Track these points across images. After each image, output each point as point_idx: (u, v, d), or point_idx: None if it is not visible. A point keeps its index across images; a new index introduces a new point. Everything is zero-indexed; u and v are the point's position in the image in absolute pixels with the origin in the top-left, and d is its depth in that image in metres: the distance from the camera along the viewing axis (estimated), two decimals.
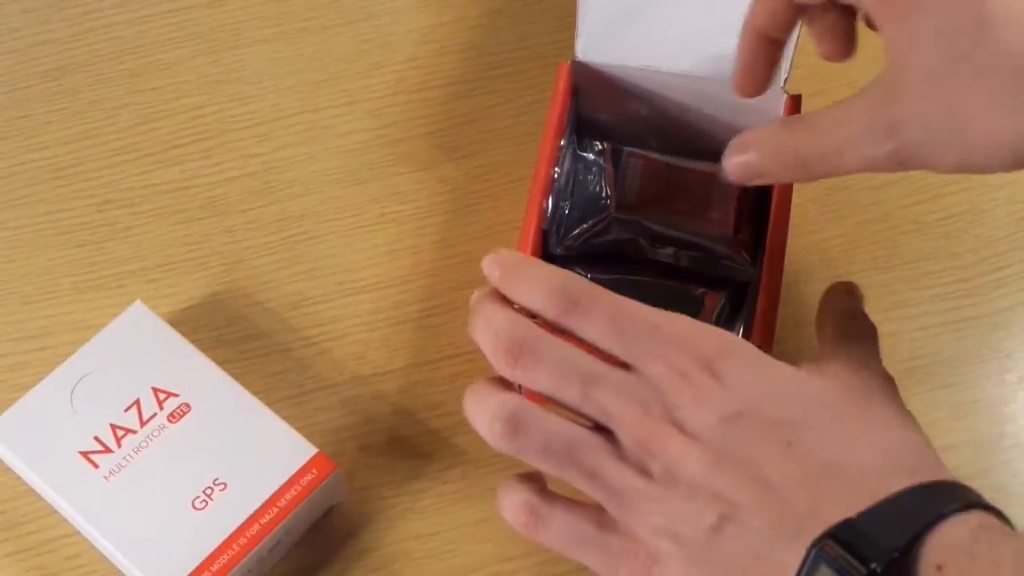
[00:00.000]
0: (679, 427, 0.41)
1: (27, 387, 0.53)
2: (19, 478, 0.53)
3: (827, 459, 0.40)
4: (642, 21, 0.55)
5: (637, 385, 0.42)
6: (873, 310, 0.58)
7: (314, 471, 0.51)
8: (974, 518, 0.38)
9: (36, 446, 0.52)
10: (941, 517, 0.37)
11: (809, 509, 0.39)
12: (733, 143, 0.47)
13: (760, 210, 0.56)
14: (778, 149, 0.45)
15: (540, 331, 0.43)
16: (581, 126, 0.60)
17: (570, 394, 0.42)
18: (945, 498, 0.38)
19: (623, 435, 0.41)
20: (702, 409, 0.41)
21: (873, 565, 0.37)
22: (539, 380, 0.42)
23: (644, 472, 0.41)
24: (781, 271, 0.51)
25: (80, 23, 0.69)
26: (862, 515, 0.38)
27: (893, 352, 0.57)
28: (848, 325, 0.47)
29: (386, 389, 0.57)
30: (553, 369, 0.42)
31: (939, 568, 0.36)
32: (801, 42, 0.57)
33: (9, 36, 0.69)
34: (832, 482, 0.39)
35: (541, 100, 0.61)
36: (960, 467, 0.54)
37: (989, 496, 0.53)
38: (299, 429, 0.53)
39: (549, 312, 0.43)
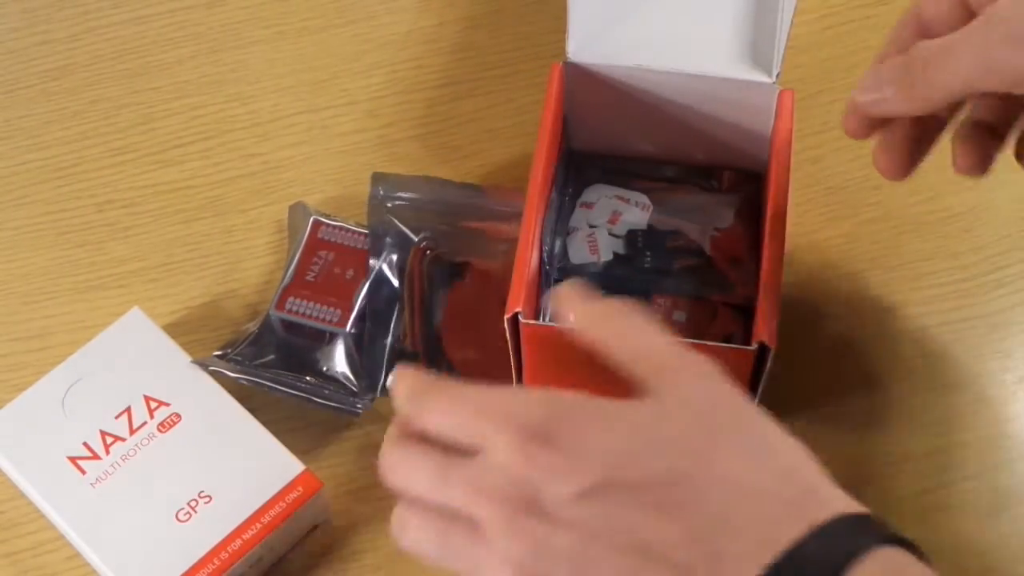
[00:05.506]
0: (538, 511, 0.37)
1: (26, 387, 0.53)
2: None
3: (712, 513, 0.36)
4: (633, 20, 0.55)
5: (485, 472, 0.38)
6: (873, 310, 0.59)
7: (300, 489, 0.51)
8: (887, 554, 0.36)
9: (24, 449, 0.52)
10: (852, 557, 0.35)
11: (708, 573, 0.36)
12: (864, 85, 0.45)
13: (757, 212, 0.56)
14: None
15: (407, 441, 0.40)
16: (572, 159, 0.59)
17: (433, 494, 0.39)
18: (852, 537, 0.36)
19: (487, 530, 0.37)
20: (553, 486, 0.37)
21: None
22: (413, 485, 0.40)
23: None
24: (781, 272, 0.51)
25: (80, 23, 0.69)
26: (768, 570, 0.35)
27: (893, 352, 0.57)
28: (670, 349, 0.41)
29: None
30: (413, 470, 0.39)
31: None
32: (800, 41, 0.57)
33: (9, 36, 0.69)
34: (724, 538, 0.36)
35: (541, 100, 0.61)
36: (960, 467, 0.54)
37: (988, 497, 0.53)
38: (298, 429, 0.53)
39: (408, 418, 0.40)
